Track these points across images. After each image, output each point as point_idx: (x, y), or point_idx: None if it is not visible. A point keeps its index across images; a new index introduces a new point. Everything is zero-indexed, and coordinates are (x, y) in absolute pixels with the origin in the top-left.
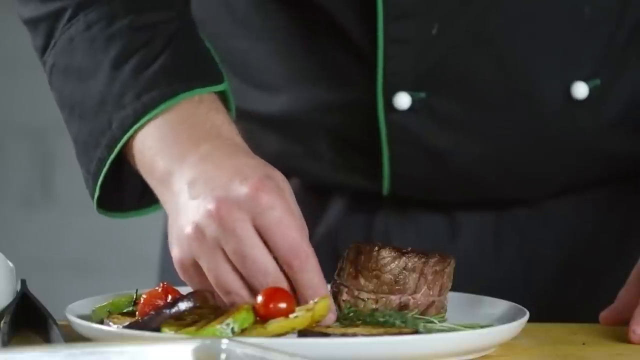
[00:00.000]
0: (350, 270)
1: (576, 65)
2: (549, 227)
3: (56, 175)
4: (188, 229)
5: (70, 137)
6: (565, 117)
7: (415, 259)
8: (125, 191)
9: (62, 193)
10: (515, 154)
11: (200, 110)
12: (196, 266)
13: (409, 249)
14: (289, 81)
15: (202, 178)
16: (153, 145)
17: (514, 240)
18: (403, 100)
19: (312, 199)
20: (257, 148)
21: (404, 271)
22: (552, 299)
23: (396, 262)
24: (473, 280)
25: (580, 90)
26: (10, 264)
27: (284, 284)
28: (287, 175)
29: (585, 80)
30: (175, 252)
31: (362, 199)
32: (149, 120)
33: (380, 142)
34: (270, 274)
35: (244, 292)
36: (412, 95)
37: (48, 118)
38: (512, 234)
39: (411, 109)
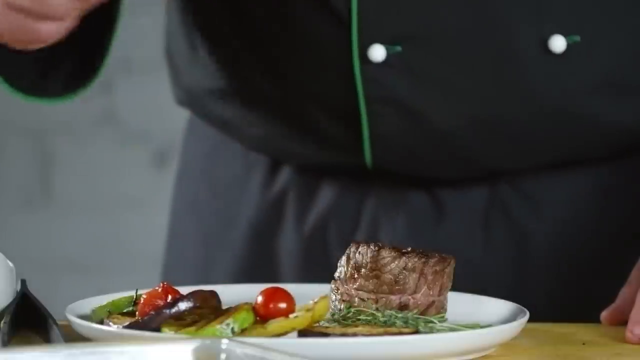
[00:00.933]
0: (350, 270)
1: (553, 17)
2: (541, 216)
3: (56, 175)
4: None
5: (70, 138)
6: (544, 74)
7: (415, 259)
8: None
9: (62, 193)
10: (497, 114)
11: None
12: None
13: (409, 248)
14: (266, 53)
15: None
16: None
17: (504, 229)
18: (378, 53)
19: (302, 189)
20: (243, 134)
21: (404, 271)
22: (544, 290)
23: (396, 262)
24: (461, 269)
25: (558, 44)
26: (10, 264)
27: None
28: (276, 162)
29: (564, 34)
30: None
31: (351, 188)
32: None
33: (358, 104)
34: None
35: None
36: (387, 49)
37: (48, 118)
38: (501, 223)
39: (387, 63)
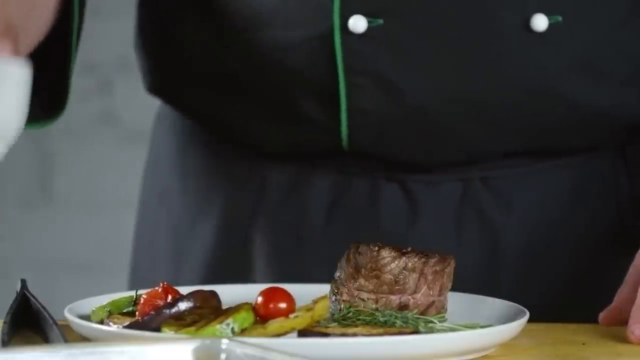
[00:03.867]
0: (350, 270)
1: None
2: (513, 214)
3: (56, 175)
4: None
5: (70, 138)
6: (525, 52)
7: (415, 259)
8: None
9: (62, 193)
10: (475, 92)
11: None
12: None
13: (409, 249)
14: (246, 30)
15: None
16: None
17: (477, 227)
18: (359, 24)
19: (278, 182)
20: (215, 119)
21: (404, 271)
22: (515, 289)
23: (396, 262)
24: None
25: (540, 22)
26: (22, 68)
27: None
28: (250, 154)
29: (546, 14)
30: None
31: (327, 182)
32: None
33: (337, 77)
34: None
35: None
36: (369, 21)
37: None
38: (474, 220)
39: (367, 34)
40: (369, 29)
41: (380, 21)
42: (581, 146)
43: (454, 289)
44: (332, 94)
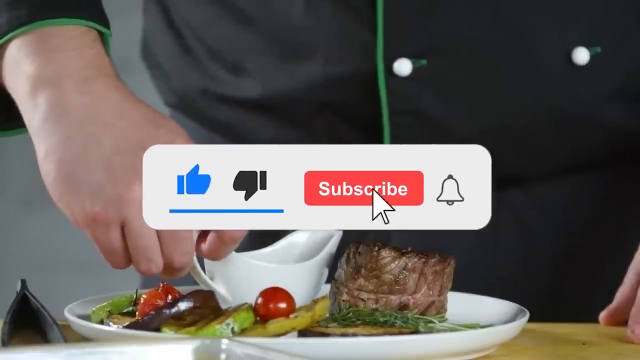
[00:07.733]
0: (350, 270)
1: (576, 29)
2: (546, 216)
3: None
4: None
5: None
6: (566, 84)
7: (415, 259)
8: None
9: None
10: (516, 123)
11: (74, 37)
12: None
13: (409, 249)
14: (282, 59)
15: (63, 156)
16: (21, 59)
17: (512, 230)
18: (404, 67)
19: None
20: (251, 135)
21: (404, 271)
22: (550, 289)
23: (396, 262)
24: (472, 270)
25: (582, 55)
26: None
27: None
28: None
29: (587, 46)
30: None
31: None
32: (26, 33)
33: (380, 115)
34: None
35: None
36: (413, 63)
37: None
38: (510, 223)
39: (412, 77)
40: (413, 70)
41: (424, 62)
42: (615, 160)
43: (493, 291)
44: (376, 129)
